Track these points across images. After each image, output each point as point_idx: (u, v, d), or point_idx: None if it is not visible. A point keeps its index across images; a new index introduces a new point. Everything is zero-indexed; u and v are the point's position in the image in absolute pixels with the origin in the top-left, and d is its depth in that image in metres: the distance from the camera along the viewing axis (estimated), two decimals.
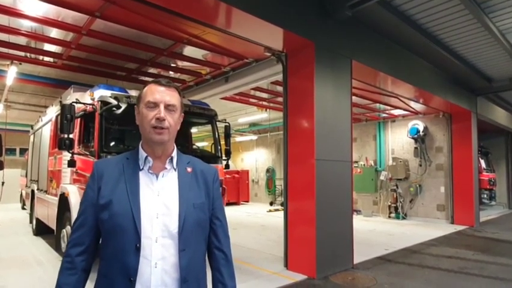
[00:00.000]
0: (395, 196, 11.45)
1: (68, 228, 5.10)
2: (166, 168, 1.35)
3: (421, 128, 11.02)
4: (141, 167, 1.34)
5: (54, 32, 5.63)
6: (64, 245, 5.34)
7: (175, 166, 1.38)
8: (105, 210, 1.27)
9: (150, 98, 1.30)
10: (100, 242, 1.33)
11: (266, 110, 11.52)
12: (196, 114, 5.55)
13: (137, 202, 1.26)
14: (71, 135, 4.55)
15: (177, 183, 1.35)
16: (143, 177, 1.32)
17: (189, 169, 1.41)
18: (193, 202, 1.34)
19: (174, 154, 1.39)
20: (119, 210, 1.25)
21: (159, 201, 1.29)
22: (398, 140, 11.95)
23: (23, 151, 14.60)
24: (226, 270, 1.42)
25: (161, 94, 1.31)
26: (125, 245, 1.22)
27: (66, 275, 1.29)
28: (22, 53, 6.46)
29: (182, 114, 1.41)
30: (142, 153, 1.35)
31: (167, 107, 1.31)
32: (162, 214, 1.27)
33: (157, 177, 1.33)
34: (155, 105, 1.29)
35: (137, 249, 1.22)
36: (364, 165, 12.57)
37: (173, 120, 1.32)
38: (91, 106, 4.74)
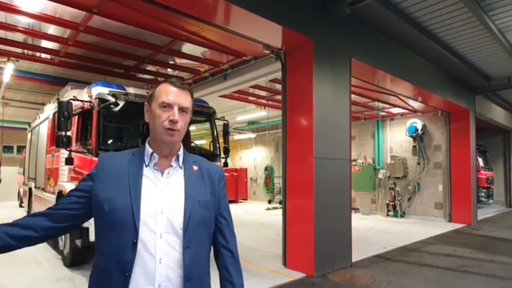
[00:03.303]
0: (393, 194, 11.47)
1: None
2: (171, 166, 1.36)
3: (419, 127, 11.03)
4: (147, 163, 1.34)
5: (51, 29, 5.59)
6: (61, 243, 5.32)
7: (180, 164, 1.38)
8: (106, 204, 1.26)
9: (165, 99, 1.30)
10: (95, 235, 1.31)
11: (265, 108, 11.51)
12: (195, 112, 5.46)
13: (138, 198, 1.26)
14: (68, 133, 4.52)
15: (183, 180, 1.35)
16: (148, 173, 1.32)
17: (195, 167, 1.42)
18: (199, 200, 1.34)
19: (180, 152, 1.39)
20: (120, 205, 1.24)
21: (163, 197, 1.29)
22: (396, 139, 11.96)
23: (21, 149, 14.56)
24: (233, 269, 1.42)
25: (176, 96, 1.31)
26: (123, 240, 1.22)
27: (30, 216, 1.32)
28: (19, 50, 6.41)
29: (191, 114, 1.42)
30: (148, 150, 1.35)
31: (181, 109, 1.31)
32: (167, 210, 1.27)
33: (162, 173, 1.34)
34: (169, 106, 1.29)
35: (134, 245, 1.21)
36: (363, 163, 12.59)
37: (184, 123, 1.33)
38: (88, 103, 4.71)
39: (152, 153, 1.34)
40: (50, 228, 1.30)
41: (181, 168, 1.38)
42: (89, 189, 1.32)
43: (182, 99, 1.32)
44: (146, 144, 1.37)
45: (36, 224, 1.28)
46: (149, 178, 1.31)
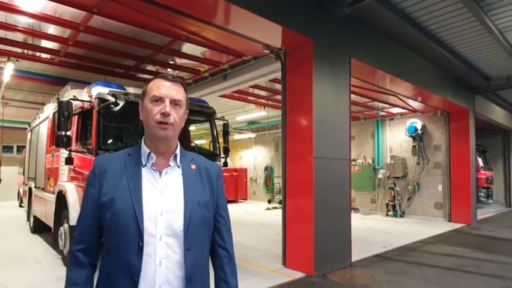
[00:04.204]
0: (393, 194, 11.48)
1: (66, 225, 5.08)
2: (169, 166, 1.32)
3: (419, 127, 11.04)
4: (144, 163, 1.30)
5: (51, 29, 5.60)
6: (61, 243, 5.32)
7: (178, 163, 1.35)
8: (107, 208, 1.24)
9: (155, 93, 1.27)
10: (102, 239, 1.31)
11: (265, 108, 11.51)
12: (195, 111, 5.53)
13: (140, 200, 1.23)
14: (68, 133, 4.52)
15: (182, 180, 1.32)
16: (146, 174, 1.29)
17: (193, 166, 1.38)
18: (198, 200, 1.31)
19: (178, 151, 1.35)
20: (121, 208, 1.22)
21: (163, 198, 1.26)
22: (396, 138, 11.97)
23: (21, 149, 14.56)
24: (229, 268, 1.41)
25: (167, 89, 1.28)
26: (128, 244, 1.20)
27: (76, 270, 1.28)
28: (19, 50, 6.42)
29: (187, 111, 1.38)
30: (145, 149, 1.31)
31: (173, 102, 1.28)
32: (166, 212, 1.24)
33: (160, 174, 1.30)
34: (160, 99, 1.26)
35: (140, 248, 1.19)
36: (362, 163, 12.59)
37: (178, 116, 1.29)
38: (88, 103, 4.71)
39: (149, 153, 1.30)
40: (96, 261, 1.35)
41: (178, 167, 1.34)
42: (96, 198, 1.29)
43: (174, 91, 1.28)
44: (142, 143, 1.33)
45: (89, 277, 1.32)
46: (148, 179, 1.28)
